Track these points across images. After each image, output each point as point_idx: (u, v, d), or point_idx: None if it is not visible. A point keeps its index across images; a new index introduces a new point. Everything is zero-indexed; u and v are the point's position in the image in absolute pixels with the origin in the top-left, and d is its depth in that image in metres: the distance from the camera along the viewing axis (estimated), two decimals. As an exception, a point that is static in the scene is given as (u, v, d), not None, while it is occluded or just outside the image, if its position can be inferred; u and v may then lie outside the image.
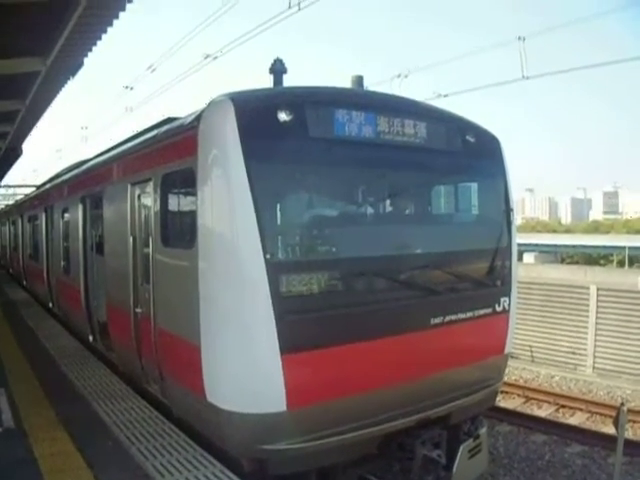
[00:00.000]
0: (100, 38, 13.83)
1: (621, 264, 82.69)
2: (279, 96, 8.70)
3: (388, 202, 9.98)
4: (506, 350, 10.43)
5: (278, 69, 9.51)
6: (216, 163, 7.88)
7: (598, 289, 24.70)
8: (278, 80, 9.49)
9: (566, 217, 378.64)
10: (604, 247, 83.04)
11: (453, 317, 9.21)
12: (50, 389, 11.09)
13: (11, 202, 52.85)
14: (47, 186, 24.31)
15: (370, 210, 10.00)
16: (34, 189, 34.08)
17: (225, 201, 7.72)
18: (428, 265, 9.26)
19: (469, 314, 9.47)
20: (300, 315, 7.72)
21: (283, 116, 7.80)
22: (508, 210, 10.40)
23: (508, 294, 10.18)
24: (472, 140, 9.96)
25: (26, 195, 37.57)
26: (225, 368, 7.81)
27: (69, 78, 16.88)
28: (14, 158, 31.13)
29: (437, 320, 9.01)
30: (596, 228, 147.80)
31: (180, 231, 9.27)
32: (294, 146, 8.15)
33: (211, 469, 7.63)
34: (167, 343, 9.44)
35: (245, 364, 7.65)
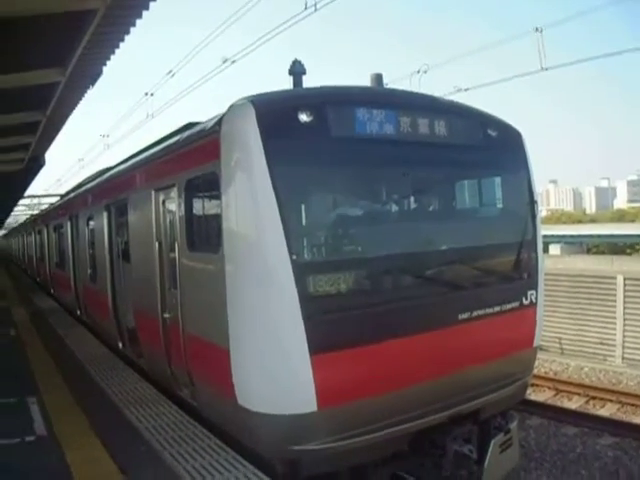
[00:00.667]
0: (118, 46, 13.89)
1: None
2: (299, 97, 8.73)
3: (412, 199, 9.96)
4: (535, 343, 10.38)
5: (297, 70, 9.53)
6: (239, 166, 7.91)
7: (625, 279, 24.50)
8: (298, 81, 9.51)
9: (591, 207, 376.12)
10: (630, 236, 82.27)
11: (481, 312, 9.18)
12: (81, 396, 11.15)
13: (36, 212, 53.25)
14: (71, 195, 24.47)
15: (394, 208, 9.96)
16: (58, 198, 34.32)
17: (249, 204, 7.75)
18: (454, 261, 9.25)
19: (497, 308, 9.43)
20: (328, 315, 7.72)
21: (304, 117, 7.81)
22: (532, 202, 10.35)
23: (535, 287, 10.13)
24: (494, 134, 9.92)
25: (51, 205, 37.84)
26: (255, 370, 7.84)
27: (88, 87, 16.97)
28: (37, 168, 31.31)
29: (465, 315, 8.98)
30: (621, 217, 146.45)
31: (206, 235, 9.31)
32: (316, 146, 8.18)
33: (243, 471, 7.65)
34: (196, 347, 9.48)
35: (275, 366, 7.67)
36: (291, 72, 9.55)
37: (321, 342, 7.55)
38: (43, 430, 9.43)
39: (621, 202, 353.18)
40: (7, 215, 77.68)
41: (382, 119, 8.55)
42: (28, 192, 52.02)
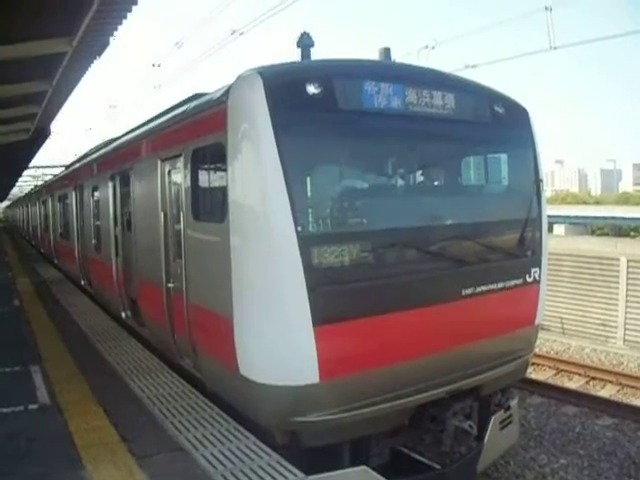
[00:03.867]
0: (125, 17, 13.83)
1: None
2: (307, 69, 8.70)
3: (418, 173, 9.96)
4: (537, 321, 10.39)
5: (305, 43, 9.47)
6: (246, 137, 7.90)
7: (628, 261, 24.48)
8: (306, 54, 9.46)
9: (596, 189, 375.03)
10: (634, 219, 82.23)
11: (484, 288, 9.19)
12: (84, 365, 11.22)
13: (41, 183, 53.24)
14: (76, 165, 24.44)
15: (400, 182, 9.93)
16: (63, 169, 34.29)
17: (256, 174, 7.74)
18: (459, 236, 9.22)
19: (500, 285, 9.44)
20: (332, 287, 7.72)
21: (312, 89, 7.78)
22: (538, 181, 10.33)
23: (539, 265, 10.14)
24: (501, 111, 9.89)
25: (55, 175, 37.79)
26: (258, 341, 7.87)
27: (95, 58, 16.90)
28: (43, 139, 31.30)
29: (468, 291, 8.99)
30: (626, 200, 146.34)
31: (211, 205, 9.31)
32: (323, 118, 8.15)
33: (244, 442, 7.71)
34: (200, 317, 9.52)
35: (278, 336, 7.70)
36: (299, 44, 9.50)
37: (324, 314, 7.57)
38: (46, 398, 9.49)
39: (626, 185, 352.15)
40: (12, 186, 77.73)
41: (390, 93, 8.51)
42: (33, 163, 52.03)
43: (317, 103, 7.88)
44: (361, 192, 9.13)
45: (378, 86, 8.43)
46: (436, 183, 10.38)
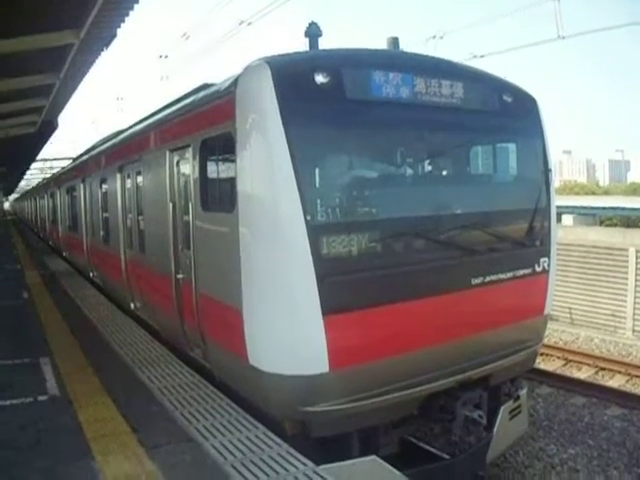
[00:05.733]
0: (132, 8, 13.86)
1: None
2: (315, 58, 8.66)
3: (427, 163, 9.93)
4: (546, 311, 10.38)
5: (313, 32, 9.43)
6: (254, 127, 7.88)
7: (637, 251, 24.44)
8: (314, 43, 9.42)
9: (604, 179, 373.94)
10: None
11: (493, 277, 9.19)
12: (93, 357, 11.25)
13: (49, 175, 53.29)
14: (84, 157, 24.43)
15: (409, 171, 9.91)
16: (71, 161, 34.31)
17: (264, 164, 7.73)
18: (468, 225, 9.19)
19: (509, 274, 9.43)
20: (341, 276, 7.72)
21: (320, 78, 7.76)
22: (546, 170, 10.30)
23: (547, 254, 10.11)
24: (509, 100, 9.87)
25: (63, 167, 37.81)
26: (267, 331, 7.88)
27: (103, 50, 16.94)
28: (50, 131, 31.37)
29: (477, 280, 8.99)
30: (635, 190, 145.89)
31: (220, 195, 9.27)
32: (331, 108, 8.13)
33: (254, 431, 7.72)
34: (209, 308, 9.53)
35: (287, 326, 7.70)
36: (307, 34, 9.47)
37: (334, 303, 7.57)
38: (56, 390, 9.52)
39: (635, 175, 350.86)
40: (20, 179, 77.88)
41: (398, 82, 8.49)
42: (41, 155, 52.13)
43: (325, 92, 7.86)
44: (370, 181, 9.10)
45: (386, 75, 8.41)
46: (445, 172, 10.35)
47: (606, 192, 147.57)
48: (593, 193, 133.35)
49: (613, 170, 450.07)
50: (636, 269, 24.38)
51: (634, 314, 24.28)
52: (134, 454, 7.12)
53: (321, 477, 6.52)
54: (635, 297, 24.29)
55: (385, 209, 8.72)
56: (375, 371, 8.01)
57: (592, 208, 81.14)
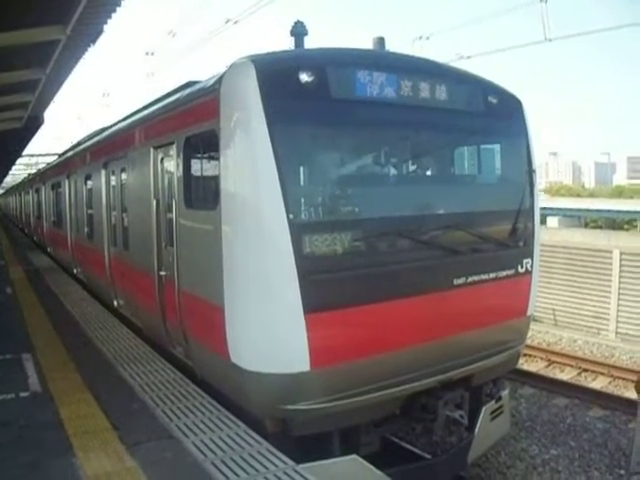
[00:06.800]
0: (119, 4, 13.78)
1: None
2: (300, 57, 8.67)
3: (410, 163, 9.94)
4: (528, 312, 10.41)
5: (299, 31, 9.44)
6: (238, 125, 7.87)
7: (621, 253, 24.55)
8: (299, 42, 9.42)
9: (590, 181, 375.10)
10: (628, 212, 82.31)
11: (476, 278, 9.20)
12: (75, 353, 11.21)
13: (34, 171, 53.10)
14: (69, 154, 24.38)
15: (393, 171, 9.93)
16: (56, 157, 34.20)
17: (248, 162, 7.72)
18: (451, 225, 9.19)
19: (492, 275, 9.45)
20: (323, 275, 7.72)
21: (305, 77, 7.75)
22: (530, 171, 10.33)
23: (531, 255, 10.14)
24: (494, 101, 9.89)
25: (48, 164, 37.69)
26: (249, 329, 7.86)
27: (89, 46, 16.83)
28: (36, 127, 31.17)
29: (460, 281, 9.00)
30: (620, 193, 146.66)
31: (203, 192, 9.28)
32: (316, 107, 8.13)
33: (235, 429, 7.70)
34: (191, 305, 9.52)
35: (269, 324, 7.70)
36: (293, 33, 9.47)
37: (315, 302, 7.56)
38: (37, 386, 9.48)
39: (620, 178, 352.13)
40: (5, 174, 77.49)
41: (383, 82, 8.49)
42: (27, 151, 51.87)
43: (310, 91, 7.84)
44: (353, 181, 9.10)
45: (371, 75, 8.40)
46: (429, 172, 10.38)
47: (591, 194, 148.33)
48: (578, 195, 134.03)
49: (599, 173, 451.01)
50: (620, 271, 24.49)
51: (617, 316, 24.39)
52: (115, 451, 7.10)
53: (301, 476, 6.50)
54: (619, 299, 24.40)
55: (368, 208, 8.71)
56: (357, 370, 8.01)
57: (577, 210, 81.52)
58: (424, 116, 9.17)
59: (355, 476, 8.32)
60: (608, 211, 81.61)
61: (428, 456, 10.08)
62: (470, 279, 9.13)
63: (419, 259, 8.76)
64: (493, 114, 9.92)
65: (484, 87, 10.02)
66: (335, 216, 8.30)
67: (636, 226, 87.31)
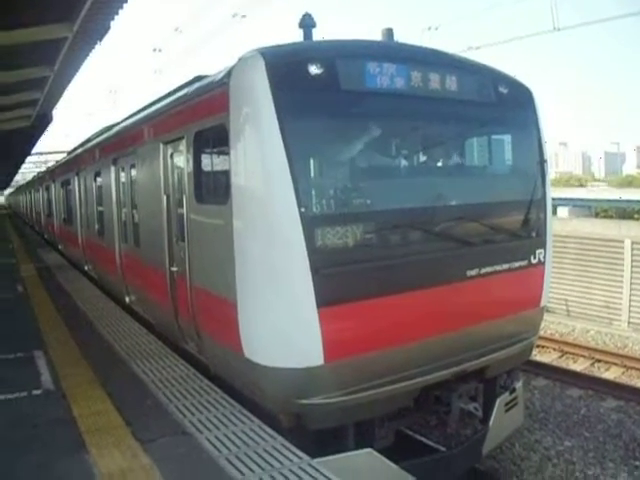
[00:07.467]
0: (126, 1, 13.77)
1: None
2: (309, 49, 8.61)
3: (422, 154, 9.88)
4: (542, 303, 10.36)
5: (308, 23, 9.36)
6: (248, 118, 7.84)
7: (633, 243, 24.42)
8: (308, 34, 9.35)
9: (599, 171, 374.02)
10: (638, 202, 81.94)
11: (489, 269, 9.16)
12: (88, 350, 11.21)
13: (44, 169, 53.21)
14: (78, 151, 24.39)
15: (404, 162, 9.86)
16: (66, 155, 34.25)
17: (258, 155, 7.69)
18: (463, 217, 9.14)
19: (505, 266, 9.40)
20: (336, 268, 7.66)
21: (314, 69, 7.70)
22: (542, 162, 10.26)
23: (543, 246, 10.09)
24: (505, 91, 9.82)
25: (58, 161, 37.76)
26: (262, 323, 7.84)
27: (96, 43, 16.84)
28: (45, 125, 31.27)
29: (473, 272, 8.96)
30: (630, 182, 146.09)
31: (214, 187, 9.24)
32: (326, 99, 8.10)
33: (249, 425, 7.68)
34: (203, 300, 9.50)
35: (282, 319, 7.66)
36: (301, 25, 9.40)
37: (329, 295, 7.53)
38: (50, 384, 9.48)
39: (630, 167, 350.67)
40: (15, 173, 77.74)
41: (393, 73, 8.43)
42: (36, 149, 52.00)
43: (320, 84, 7.80)
44: (365, 173, 9.05)
45: (381, 66, 8.35)
46: (440, 164, 10.29)
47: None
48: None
49: (608, 162, 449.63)
50: (632, 261, 24.37)
51: (630, 306, 24.27)
52: (128, 448, 7.09)
53: (316, 470, 6.48)
54: (631, 289, 24.29)
55: (380, 200, 8.65)
56: (370, 363, 7.98)
57: (588, 200, 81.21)
58: (435, 107, 9.11)
59: (370, 470, 8.29)
60: (618, 200, 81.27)
61: (443, 449, 10.06)
62: (483, 270, 9.08)
63: (432, 251, 8.71)
64: (504, 104, 9.85)
65: (495, 77, 9.95)
66: (346, 209, 8.24)
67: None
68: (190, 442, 7.21)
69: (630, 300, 24.26)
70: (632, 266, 24.33)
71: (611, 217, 77.57)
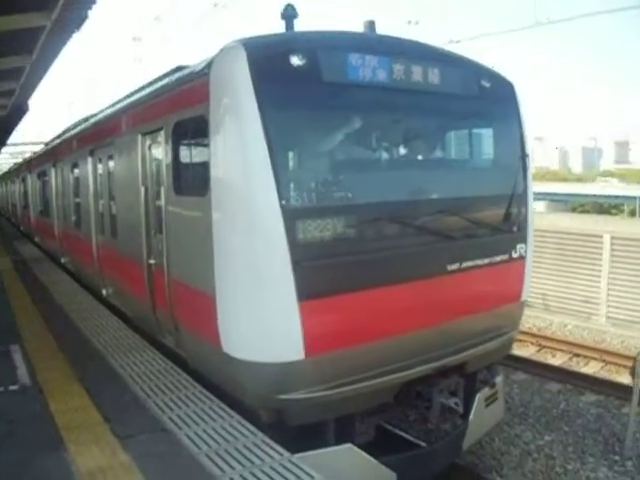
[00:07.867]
0: (103, -11, 13.64)
1: (632, 214, 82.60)
2: (291, 41, 8.50)
3: (404, 147, 9.82)
4: (522, 297, 10.37)
5: (290, 14, 9.24)
6: (229, 109, 7.74)
7: (612, 237, 24.51)
8: (290, 25, 9.25)
9: (577, 166, 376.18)
10: (615, 197, 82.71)
11: (470, 263, 9.13)
12: (64, 344, 11.10)
13: (20, 160, 52.84)
14: (56, 142, 24.22)
15: (386, 155, 9.79)
16: (43, 146, 34.02)
17: (238, 147, 7.59)
18: (444, 210, 9.09)
19: (486, 260, 9.38)
20: (317, 261, 7.59)
21: (296, 61, 7.62)
22: (524, 156, 10.24)
23: (524, 240, 10.08)
24: (487, 85, 9.78)
25: (35, 152, 37.50)
26: (241, 317, 7.75)
27: (74, 32, 16.65)
28: (20, 115, 30.98)
29: (454, 266, 8.92)
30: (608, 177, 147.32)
31: (193, 178, 9.15)
32: (307, 91, 8.02)
33: (228, 420, 7.61)
34: (181, 294, 9.41)
35: (262, 313, 7.59)
36: (283, 16, 9.30)
37: (309, 289, 7.46)
38: (27, 378, 9.36)
39: (607, 163, 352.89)
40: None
41: (375, 65, 8.37)
42: (12, 140, 51.56)
43: (301, 75, 7.72)
44: (346, 165, 8.99)
45: (363, 58, 8.28)
46: (423, 157, 10.25)
47: (579, 179, 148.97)
48: (565, 180, 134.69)
49: (586, 157, 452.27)
50: (611, 256, 24.46)
51: (607, 300, 24.37)
52: (107, 444, 6.99)
53: (297, 466, 6.43)
54: (609, 283, 24.38)
55: (362, 194, 8.58)
56: (351, 358, 7.92)
57: (565, 195, 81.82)
58: (417, 100, 9.06)
59: (350, 465, 8.26)
60: (595, 196, 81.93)
61: (423, 444, 10.04)
62: (464, 265, 9.05)
63: (414, 245, 8.67)
64: (486, 97, 9.82)
65: (477, 70, 9.92)
66: (329, 202, 8.16)
67: (623, 211, 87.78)
68: (169, 439, 7.13)
69: (608, 294, 24.35)
70: (611, 261, 24.41)
71: (588, 212, 78.22)
